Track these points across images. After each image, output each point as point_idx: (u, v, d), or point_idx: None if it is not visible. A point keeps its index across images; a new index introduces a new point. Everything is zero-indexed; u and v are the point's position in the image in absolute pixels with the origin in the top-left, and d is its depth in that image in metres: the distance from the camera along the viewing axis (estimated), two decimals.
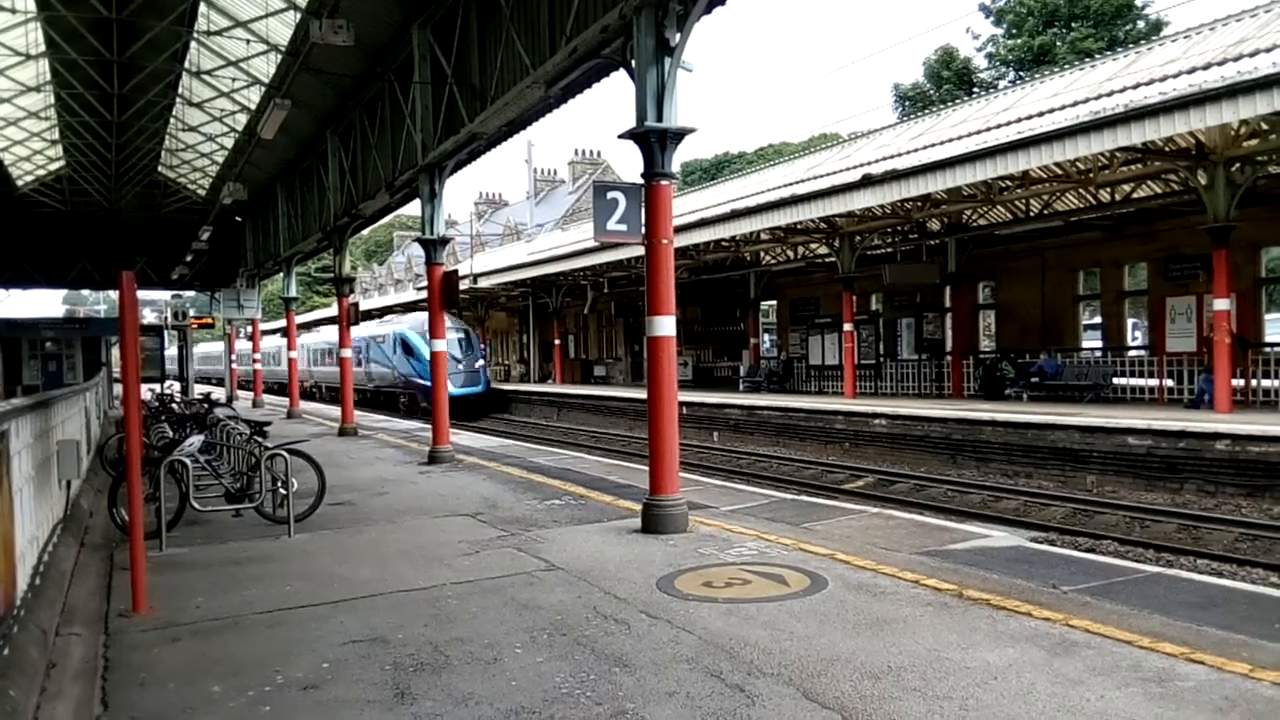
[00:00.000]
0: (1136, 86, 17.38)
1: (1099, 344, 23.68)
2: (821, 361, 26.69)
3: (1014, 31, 42.76)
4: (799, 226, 23.44)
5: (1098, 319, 24.59)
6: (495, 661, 5.20)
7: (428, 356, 28.03)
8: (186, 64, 20.14)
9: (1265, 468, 13.01)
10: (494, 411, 36.95)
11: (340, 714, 4.55)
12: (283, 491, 9.41)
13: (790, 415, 22.63)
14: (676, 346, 9.34)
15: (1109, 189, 19.48)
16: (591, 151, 66.76)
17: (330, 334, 42.52)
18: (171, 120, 24.40)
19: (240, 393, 39.95)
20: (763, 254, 29.86)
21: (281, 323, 51.96)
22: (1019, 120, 19.64)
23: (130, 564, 6.45)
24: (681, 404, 13.27)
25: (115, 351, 32.86)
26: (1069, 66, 26.53)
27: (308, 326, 54.35)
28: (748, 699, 4.54)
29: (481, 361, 35.87)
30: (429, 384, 27.35)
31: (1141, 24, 40.15)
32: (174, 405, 16.40)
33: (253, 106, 21.75)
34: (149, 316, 38.93)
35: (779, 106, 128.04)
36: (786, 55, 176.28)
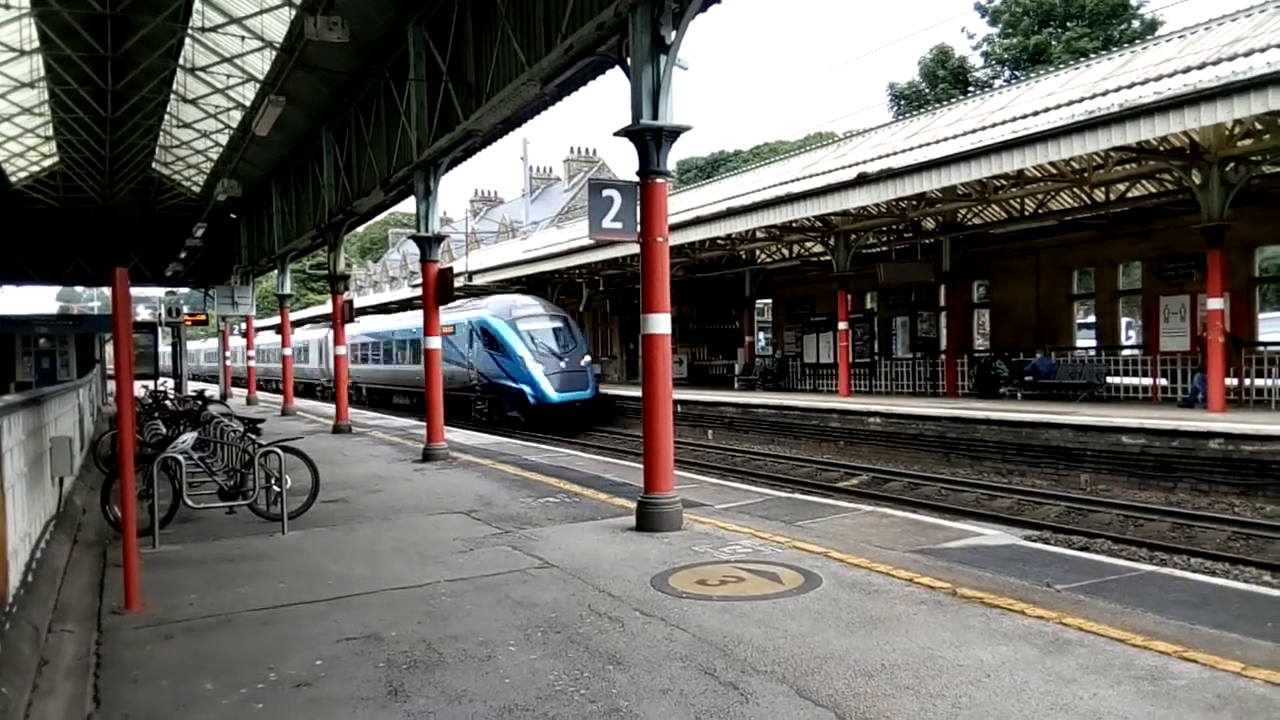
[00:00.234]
0: (1131, 86, 17.42)
1: (1093, 343, 23.72)
2: (816, 360, 26.71)
3: (1009, 31, 42.81)
4: (794, 225, 23.45)
5: (1092, 318, 24.62)
6: (489, 659, 5.20)
7: (520, 350, 26.52)
8: (181, 60, 20.06)
9: (1258, 466, 13.05)
10: (598, 423, 28.05)
11: (333, 711, 4.54)
12: (276, 489, 9.40)
13: (785, 413, 22.65)
14: (671, 344, 9.33)
15: (1104, 188, 19.50)
16: (587, 149, 66.81)
17: (381, 323, 38.98)
18: (166, 117, 24.30)
19: (262, 396, 37.60)
20: (758, 252, 29.86)
21: (323, 309, 50.95)
22: (1014, 119, 19.67)
23: (123, 561, 6.44)
24: (676, 402, 13.26)
25: (109, 348, 32.76)
26: (1064, 66, 26.58)
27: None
28: (741, 697, 4.55)
29: (588, 357, 28.09)
30: (519, 385, 26.40)
31: (1136, 23, 40.22)
32: (167, 402, 16.36)
33: (247, 103, 21.69)
34: (143, 313, 38.89)
35: (774, 105, 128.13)
36: (782, 54, 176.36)
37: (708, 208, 25.68)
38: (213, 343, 55.14)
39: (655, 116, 8.86)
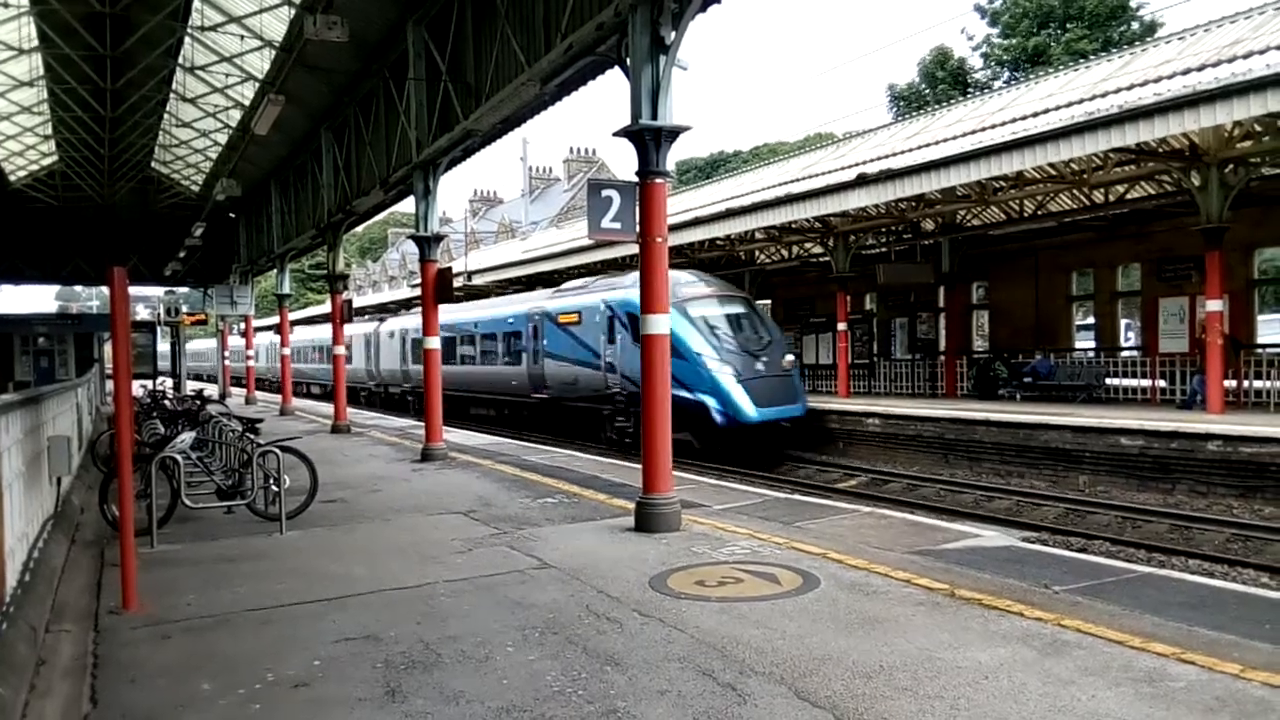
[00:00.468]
0: (1131, 88, 17.43)
1: (1092, 344, 23.71)
2: (815, 360, 26.69)
3: (1009, 32, 42.82)
4: (794, 226, 23.44)
5: (1091, 319, 24.61)
6: (487, 660, 5.19)
7: (696, 345, 18.23)
8: (180, 59, 20.05)
9: (1257, 468, 13.05)
10: (801, 447, 20.25)
11: (331, 712, 4.54)
12: (274, 488, 9.40)
13: None
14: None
15: (1103, 190, 19.50)
16: (587, 149, 66.84)
17: (454, 311, 28.44)
18: (165, 116, 24.29)
19: (300, 403, 33.85)
20: (757, 253, 29.82)
21: (379, 296, 47.83)
22: (1013, 121, 19.69)
23: (121, 561, 6.43)
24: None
25: (108, 348, 32.74)
26: (1064, 67, 26.59)
27: (379, 310, 42.76)
28: (739, 698, 4.54)
29: (791, 356, 19.99)
30: (697, 397, 17.79)
31: (1136, 25, 40.22)
32: (166, 402, 16.35)
33: (247, 102, 21.68)
34: (142, 312, 38.86)
35: (774, 106, 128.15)
36: (782, 54, 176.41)
37: (707, 208, 25.67)
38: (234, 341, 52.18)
39: (654, 117, 8.86)
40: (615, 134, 9.17)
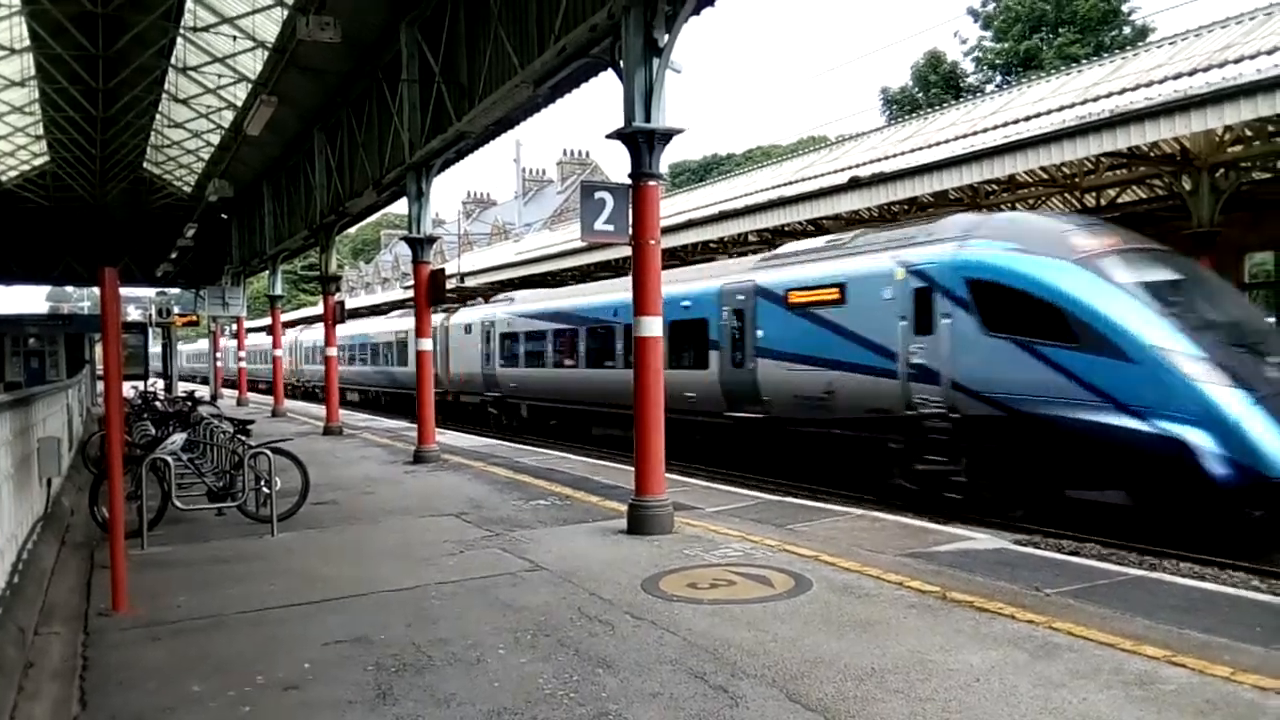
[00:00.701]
0: (1122, 92, 17.46)
1: None
2: None
3: (1001, 36, 42.96)
4: (787, 229, 23.41)
5: None
6: (478, 662, 5.18)
7: (1156, 339, 10.03)
8: (173, 60, 20.02)
9: None
10: None
11: (321, 714, 4.52)
12: (266, 490, 9.37)
13: None
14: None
15: (1094, 193, 19.56)
16: (580, 151, 66.75)
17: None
18: (157, 116, 24.25)
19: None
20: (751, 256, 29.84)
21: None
22: (1006, 124, 19.69)
23: (111, 562, 6.40)
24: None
25: (99, 349, 32.61)
26: (1055, 71, 26.65)
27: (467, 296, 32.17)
28: (731, 700, 4.54)
29: None
30: (1175, 431, 9.71)
31: (1127, 29, 40.38)
32: (157, 403, 16.30)
33: (239, 103, 21.64)
34: (133, 313, 38.67)
35: (768, 108, 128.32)
36: (776, 57, 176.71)
37: (700, 211, 25.65)
38: (259, 340, 48.46)
39: (648, 119, 8.86)
40: (608, 136, 9.17)
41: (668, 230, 19.60)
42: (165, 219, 32.28)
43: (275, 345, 29.57)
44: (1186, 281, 11.48)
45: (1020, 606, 5.98)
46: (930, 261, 12.50)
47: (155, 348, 40.20)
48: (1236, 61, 15.60)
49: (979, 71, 44.49)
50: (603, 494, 11.18)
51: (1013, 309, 11.30)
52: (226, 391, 38.87)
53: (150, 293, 39.48)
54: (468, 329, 26.97)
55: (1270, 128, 14.50)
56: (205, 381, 43.42)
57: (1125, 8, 40.76)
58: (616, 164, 74.85)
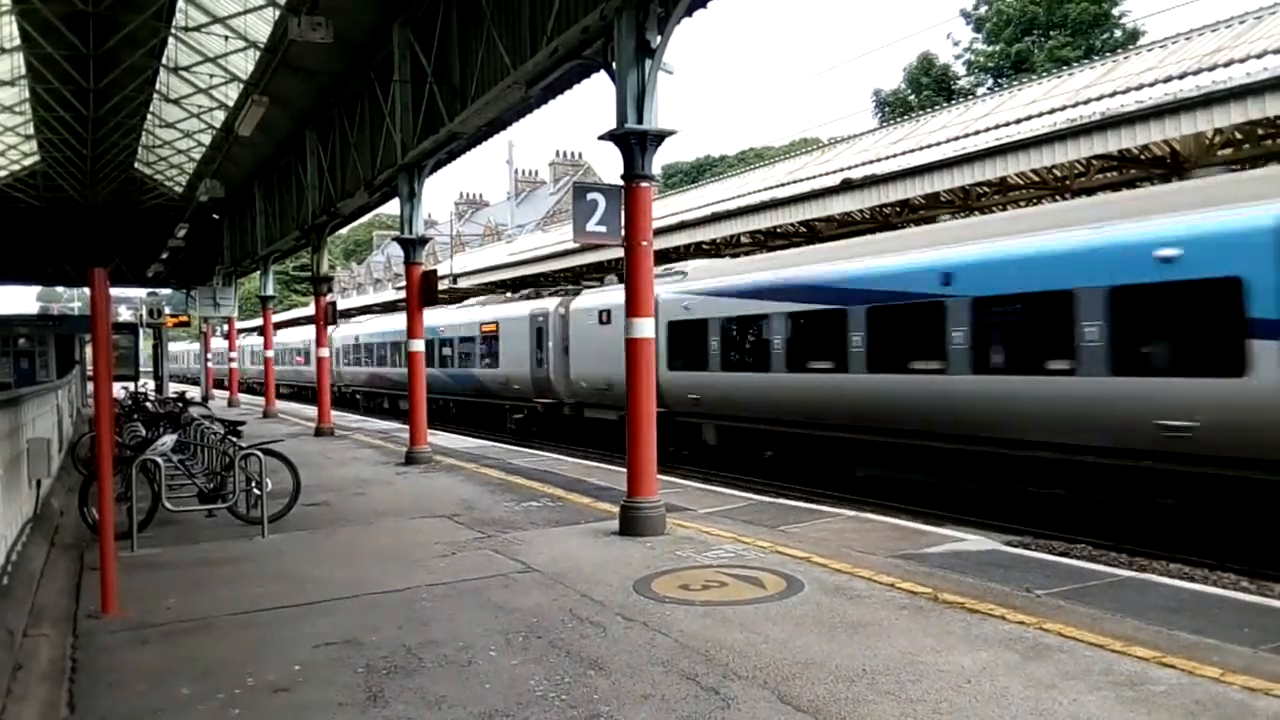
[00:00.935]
0: (1113, 95, 17.51)
1: None
2: None
3: (993, 38, 43.07)
4: (779, 230, 23.48)
5: None
6: (469, 664, 5.17)
7: None
8: (164, 60, 19.95)
9: None
10: None
11: (311, 717, 4.51)
12: (256, 492, 9.34)
13: None
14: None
15: (1086, 195, 19.61)
16: (573, 153, 66.88)
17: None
18: (148, 116, 24.15)
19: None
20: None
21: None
22: (997, 127, 19.75)
23: (100, 564, 6.37)
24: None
25: (89, 349, 32.48)
26: (1047, 74, 26.73)
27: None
28: (723, 702, 4.54)
29: None
30: None
31: (1119, 33, 40.52)
32: (148, 404, 16.24)
33: (231, 103, 21.58)
34: (124, 314, 38.60)
35: (760, 110, 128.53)
36: (768, 59, 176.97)
37: (693, 212, 25.66)
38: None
39: (640, 120, 8.87)
40: (600, 138, 9.17)
41: (660, 232, 19.58)
42: (156, 219, 32.17)
43: (266, 346, 29.48)
44: None
45: (1011, 608, 5.99)
46: None
47: (176, 346, 39.25)
48: (1227, 65, 15.67)
49: (970, 74, 44.61)
50: (595, 495, 11.17)
51: None
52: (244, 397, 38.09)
53: (141, 293, 39.34)
54: (604, 317, 19.58)
55: (1260, 131, 14.56)
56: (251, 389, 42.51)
57: (1116, 11, 40.92)
58: (609, 165, 74.89)
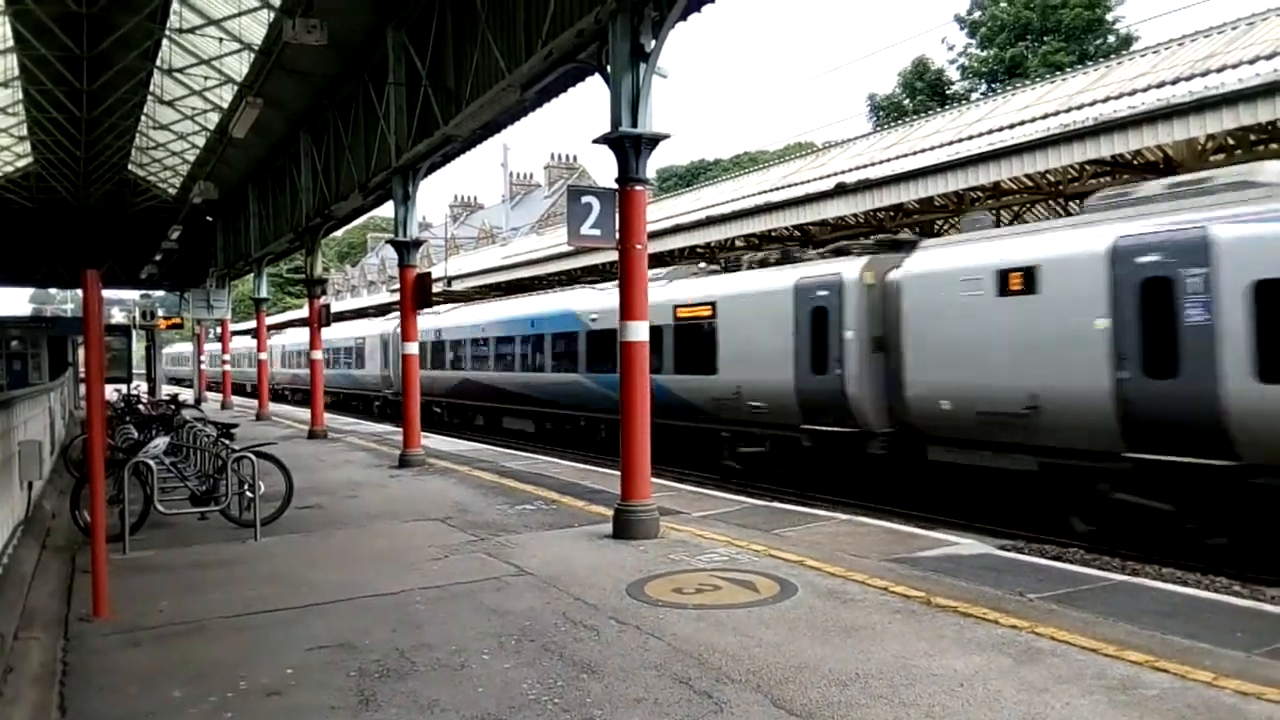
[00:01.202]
0: (1106, 100, 17.57)
1: None
2: None
3: (987, 43, 43.20)
4: (773, 234, 23.49)
5: None
6: (462, 668, 5.16)
7: None
8: (158, 61, 19.92)
9: None
10: None
11: None
12: (249, 494, 9.31)
13: None
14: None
15: (1079, 201, 19.67)
16: (568, 156, 66.74)
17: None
18: (142, 118, 24.12)
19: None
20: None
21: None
22: (991, 132, 19.80)
23: (92, 567, 6.35)
24: None
25: (82, 351, 32.27)
26: (1040, 79, 26.82)
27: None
28: (716, 705, 4.53)
29: None
30: None
31: (1112, 38, 40.67)
32: (140, 406, 16.20)
33: (225, 105, 21.56)
34: (117, 316, 38.44)
35: (755, 114, 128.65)
36: (763, 63, 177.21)
37: (687, 216, 25.68)
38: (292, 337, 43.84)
39: (635, 124, 8.87)
40: (595, 141, 9.17)
41: (654, 235, 19.61)
42: (150, 221, 32.10)
43: (260, 349, 29.40)
44: None
45: (1004, 612, 6.00)
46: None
47: (174, 348, 38.74)
48: (1219, 71, 15.74)
49: (964, 79, 44.73)
50: (589, 499, 11.16)
51: None
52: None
53: (134, 295, 39.24)
54: (1019, 283, 11.41)
55: (1252, 136, 14.62)
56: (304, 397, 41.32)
57: (1110, 17, 41.07)
58: (604, 168, 74.96)
